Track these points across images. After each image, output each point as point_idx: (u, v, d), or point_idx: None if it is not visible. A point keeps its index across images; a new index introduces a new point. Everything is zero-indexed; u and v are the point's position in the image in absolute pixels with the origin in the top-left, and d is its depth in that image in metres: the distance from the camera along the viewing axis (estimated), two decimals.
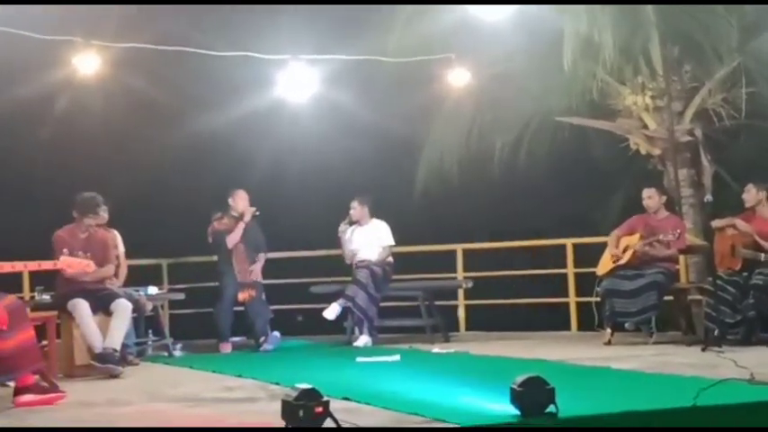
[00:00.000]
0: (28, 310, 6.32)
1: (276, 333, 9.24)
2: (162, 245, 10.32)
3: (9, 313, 5.63)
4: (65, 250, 6.97)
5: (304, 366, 7.73)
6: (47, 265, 6.24)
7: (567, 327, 9.97)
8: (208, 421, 4.91)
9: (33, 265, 6.21)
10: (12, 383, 5.82)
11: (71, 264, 6.28)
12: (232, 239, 9.25)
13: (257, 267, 9.35)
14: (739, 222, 8.07)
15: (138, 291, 8.47)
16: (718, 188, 9.46)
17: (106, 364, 7.02)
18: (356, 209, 9.58)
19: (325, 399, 4.20)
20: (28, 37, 7.66)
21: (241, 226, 9.27)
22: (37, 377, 5.77)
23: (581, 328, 9.77)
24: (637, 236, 8.45)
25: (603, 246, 8.78)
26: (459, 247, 10.49)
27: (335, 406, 4.40)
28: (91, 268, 6.45)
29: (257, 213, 9.35)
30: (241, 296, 9.20)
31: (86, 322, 7.23)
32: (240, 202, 9.37)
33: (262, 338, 9.13)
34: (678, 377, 5.83)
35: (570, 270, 10.00)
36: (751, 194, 8.13)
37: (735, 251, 7.99)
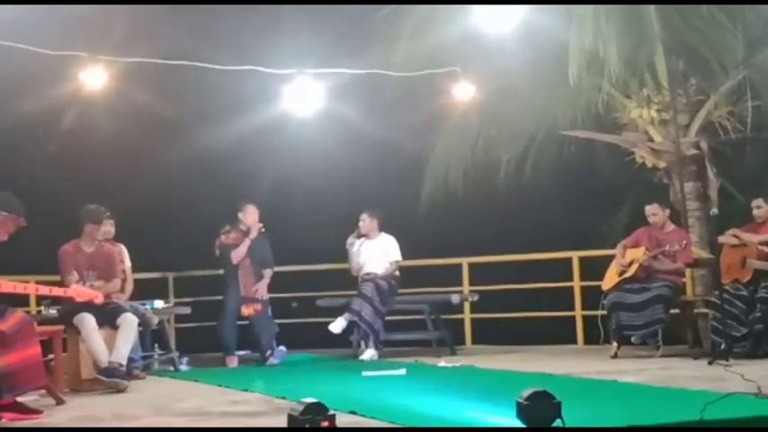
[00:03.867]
0: (35, 324, 6.32)
1: (282, 347, 9.23)
2: (168, 258, 10.34)
3: (15, 331, 5.66)
4: (74, 272, 7.00)
5: (310, 380, 7.72)
6: (57, 291, 6.34)
7: (573, 340, 9.96)
8: None
9: (45, 290, 6.30)
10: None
11: (80, 293, 6.36)
12: (237, 255, 9.24)
13: (262, 285, 9.31)
14: (744, 235, 8.06)
15: (144, 305, 8.49)
16: (724, 201, 9.45)
17: (112, 379, 7.02)
18: (365, 221, 9.58)
19: (331, 413, 4.20)
20: (35, 52, 7.69)
21: (246, 242, 9.26)
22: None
23: (587, 341, 9.76)
24: (642, 249, 8.45)
25: (609, 259, 8.77)
26: (464, 261, 10.50)
27: (342, 420, 4.39)
28: (99, 299, 6.53)
29: (263, 230, 9.33)
30: (246, 311, 9.19)
31: (92, 336, 7.23)
32: (249, 216, 9.35)
33: (268, 352, 9.13)
34: (685, 391, 5.81)
35: (576, 283, 10.00)
36: (763, 210, 8.11)
37: (746, 263, 7.97)
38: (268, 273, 9.37)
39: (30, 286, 6.19)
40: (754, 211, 8.16)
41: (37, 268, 7.42)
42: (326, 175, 10.67)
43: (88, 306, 7.32)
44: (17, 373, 5.65)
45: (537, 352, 9.34)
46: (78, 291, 6.37)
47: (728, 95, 9.54)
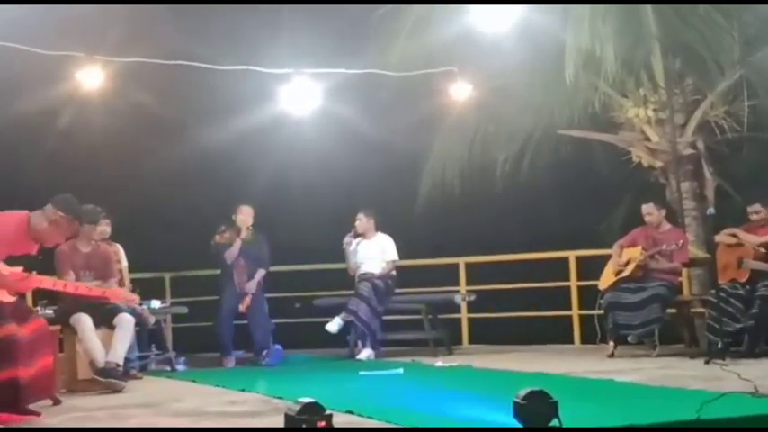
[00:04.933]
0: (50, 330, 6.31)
1: (278, 346, 9.23)
2: (165, 258, 10.33)
3: (34, 339, 5.67)
4: (71, 272, 7.16)
5: (307, 380, 7.72)
6: (96, 291, 6.60)
7: (569, 340, 9.95)
8: None
9: (84, 289, 6.47)
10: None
11: (117, 294, 6.74)
12: (230, 254, 9.27)
13: (252, 282, 9.32)
14: (744, 235, 8.06)
15: (140, 304, 8.47)
16: (720, 201, 9.45)
17: (108, 379, 7.01)
18: (362, 221, 9.58)
19: (328, 412, 4.20)
20: (31, 52, 7.68)
21: (238, 242, 9.27)
22: None
23: (584, 340, 9.75)
24: (638, 248, 8.46)
25: (606, 258, 8.78)
26: (461, 261, 10.50)
27: (338, 420, 4.40)
28: (136, 301, 6.94)
29: (249, 229, 9.34)
30: (242, 307, 9.20)
31: (89, 336, 7.23)
32: (240, 216, 9.38)
33: (264, 352, 9.12)
34: (682, 390, 5.82)
35: (573, 283, 10.00)
36: (762, 214, 8.10)
37: (742, 263, 7.96)
38: (260, 272, 9.36)
39: (69, 284, 6.29)
40: (753, 217, 8.13)
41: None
42: (323, 175, 10.66)
43: (85, 306, 7.35)
44: (33, 384, 5.63)
45: (534, 351, 9.34)
46: (116, 292, 6.65)
47: (725, 95, 9.53)
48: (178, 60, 8.54)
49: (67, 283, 6.28)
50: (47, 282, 6.07)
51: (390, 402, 5.82)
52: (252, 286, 9.29)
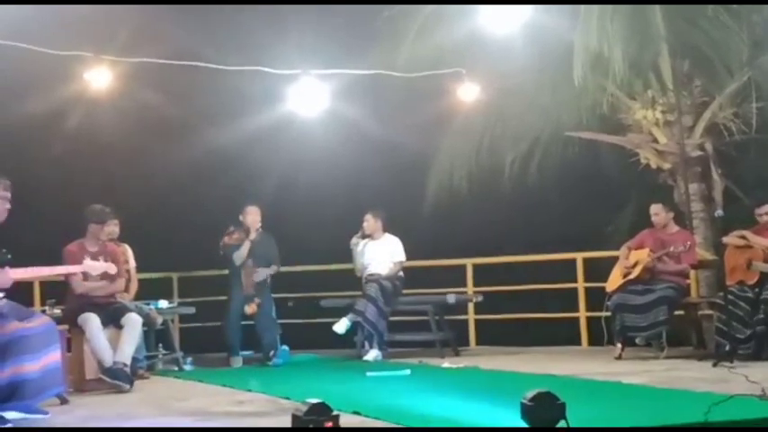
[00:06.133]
0: (57, 327, 6.30)
1: (285, 347, 9.24)
2: (172, 259, 10.35)
3: (39, 333, 5.68)
4: (86, 256, 7.05)
5: (314, 381, 7.72)
6: (75, 268, 6.68)
7: (577, 341, 9.94)
8: None
9: (60, 269, 6.62)
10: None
11: (94, 267, 6.60)
12: (239, 256, 9.26)
13: (264, 271, 9.31)
14: (753, 237, 8.03)
15: (148, 304, 8.50)
16: (728, 202, 9.44)
17: (115, 381, 7.01)
18: (369, 222, 9.58)
19: (335, 413, 4.21)
20: (40, 52, 7.70)
21: (247, 243, 9.26)
22: None
23: (591, 342, 9.75)
24: (646, 251, 8.44)
25: (614, 260, 8.76)
26: (469, 262, 10.49)
27: (345, 420, 4.40)
28: (113, 270, 6.77)
29: (259, 229, 9.31)
30: (248, 309, 9.20)
31: (96, 336, 7.23)
32: (248, 217, 9.37)
33: (271, 353, 9.12)
34: (689, 392, 5.81)
35: (580, 284, 9.98)
36: None
37: (752, 265, 7.94)
38: (273, 267, 9.36)
39: (45, 269, 6.35)
40: (765, 218, 8.10)
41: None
42: (331, 176, 10.68)
43: (92, 306, 7.36)
44: (40, 379, 5.64)
45: (541, 353, 9.34)
46: (91, 265, 6.57)
47: (733, 97, 9.53)
48: (186, 61, 8.55)
49: (43, 269, 6.27)
50: (21, 272, 6.03)
51: (397, 403, 5.81)
52: (261, 275, 9.26)
